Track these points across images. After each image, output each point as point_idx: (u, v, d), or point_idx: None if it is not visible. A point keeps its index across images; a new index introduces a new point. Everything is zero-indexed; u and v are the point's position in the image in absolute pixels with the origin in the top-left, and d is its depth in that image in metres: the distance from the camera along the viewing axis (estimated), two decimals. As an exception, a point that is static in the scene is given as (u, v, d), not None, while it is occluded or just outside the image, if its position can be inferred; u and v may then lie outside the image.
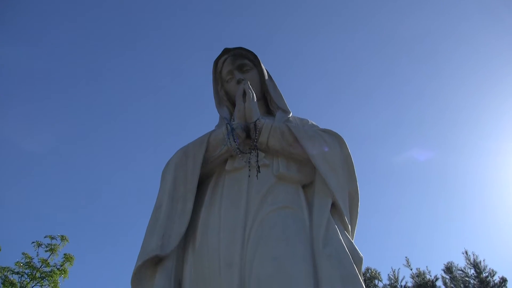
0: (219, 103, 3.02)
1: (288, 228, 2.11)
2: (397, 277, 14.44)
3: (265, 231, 2.09)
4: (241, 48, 3.01)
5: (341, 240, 2.09)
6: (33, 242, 10.48)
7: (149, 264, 2.12)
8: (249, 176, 2.30)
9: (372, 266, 15.62)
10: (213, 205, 2.32)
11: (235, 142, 2.41)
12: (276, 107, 2.89)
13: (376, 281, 14.87)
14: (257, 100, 2.87)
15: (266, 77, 3.01)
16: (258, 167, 2.30)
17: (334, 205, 2.29)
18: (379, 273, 14.97)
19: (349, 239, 2.20)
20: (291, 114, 2.86)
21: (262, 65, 3.02)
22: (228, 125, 2.49)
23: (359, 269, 2.04)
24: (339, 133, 2.59)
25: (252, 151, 2.37)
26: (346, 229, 2.27)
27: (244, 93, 2.59)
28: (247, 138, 2.49)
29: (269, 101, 2.97)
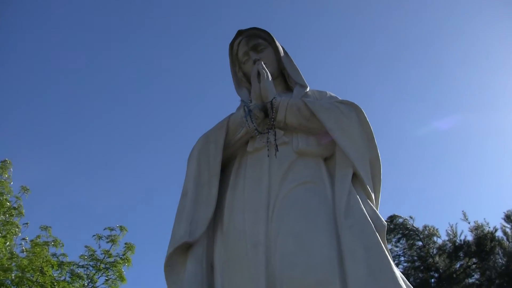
0: (238, 85, 3.04)
1: (309, 203, 2.15)
2: (456, 232, 14.28)
3: (287, 208, 2.14)
4: (254, 28, 3.02)
5: (362, 209, 2.11)
6: (93, 235, 10.90)
7: (180, 251, 2.21)
8: (268, 156, 2.34)
9: (430, 223, 15.49)
10: (237, 187, 2.38)
11: (252, 123, 2.45)
12: (294, 83, 2.90)
13: (435, 238, 14.75)
14: (275, 77, 2.89)
15: (282, 53, 3.01)
16: (276, 146, 2.34)
17: (355, 175, 2.30)
18: (437, 229, 14.82)
19: (372, 207, 2.22)
20: (308, 88, 2.86)
21: (276, 42, 3.02)
22: (245, 107, 2.53)
23: (382, 237, 2.06)
24: (356, 103, 2.59)
25: (269, 130, 2.41)
26: (369, 197, 2.29)
27: (259, 74, 2.61)
28: (265, 118, 2.53)
29: (287, 77, 2.98)
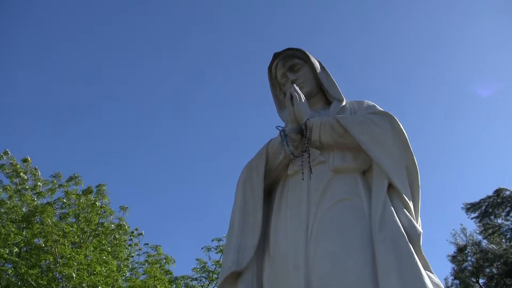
0: (280, 108, 3.14)
1: (345, 220, 2.24)
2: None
3: (323, 228, 2.24)
4: (289, 49, 3.10)
5: (396, 221, 2.16)
6: (202, 248, 11.40)
7: (231, 280, 2.36)
8: (302, 179, 2.45)
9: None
10: (281, 210, 2.50)
11: (288, 147, 2.56)
12: (332, 98, 2.97)
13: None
14: (315, 94, 2.99)
15: (319, 69, 3.06)
16: (310, 167, 2.45)
17: (392, 185, 2.34)
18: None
19: (407, 216, 2.25)
20: (344, 102, 2.91)
21: (312, 59, 3.07)
22: (281, 132, 2.65)
23: (416, 246, 2.11)
24: (389, 112, 2.62)
25: (304, 152, 2.51)
26: (405, 206, 2.31)
27: (292, 97, 2.70)
28: (303, 140, 2.61)
29: (326, 93, 3.03)
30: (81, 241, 9.98)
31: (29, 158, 11.01)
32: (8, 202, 10.23)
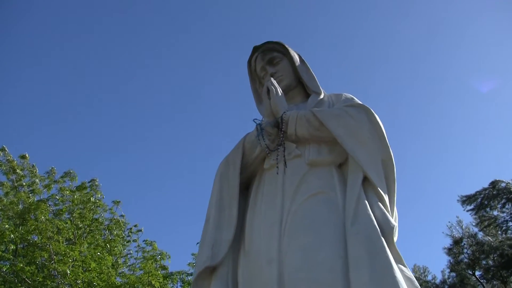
0: (259, 102, 3.11)
1: (318, 214, 2.23)
2: None
3: (297, 222, 2.23)
4: (268, 42, 3.08)
5: (369, 215, 2.15)
6: (197, 243, 11.40)
7: (205, 275, 2.35)
8: (277, 173, 2.44)
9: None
10: (256, 205, 2.49)
11: (264, 141, 2.55)
12: (311, 91, 2.95)
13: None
14: (294, 87, 2.98)
15: (297, 63, 3.05)
16: (285, 161, 2.44)
17: (367, 178, 2.33)
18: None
19: (382, 209, 2.24)
20: (322, 95, 2.90)
21: (291, 52, 3.06)
22: (258, 125, 2.64)
23: (390, 239, 2.10)
24: (365, 104, 2.60)
25: (279, 146, 2.50)
26: (380, 199, 2.30)
27: (269, 90, 2.68)
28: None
29: (305, 86, 3.02)
30: (76, 238, 10.01)
31: (27, 155, 11.01)
32: (5, 199, 10.22)
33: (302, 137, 2.53)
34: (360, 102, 2.68)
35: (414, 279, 2.09)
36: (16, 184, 10.66)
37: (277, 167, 2.46)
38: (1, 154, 10.82)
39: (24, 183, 10.75)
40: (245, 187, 2.69)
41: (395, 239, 2.19)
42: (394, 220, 2.27)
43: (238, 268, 2.38)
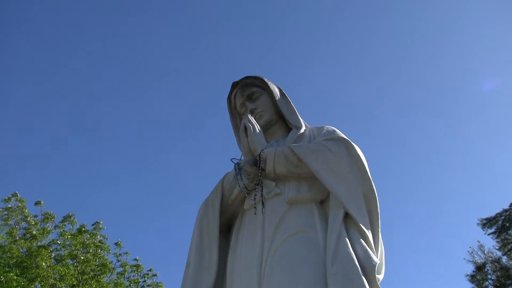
0: (239, 139, 3.04)
1: (296, 254, 2.13)
2: None
3: (275, 264, 2.14)
4: (246, 77, 3.00)
5: (350, 253, 2.05)
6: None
7: None
8: (255, 213, 2.35)
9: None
10: (237, 248, 2.40)
11: (242, 180, 2.46)
12: (292, 125, 2.86)
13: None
14: (275, 122, 2.90)
15: (278, 96, 2.96)
16: (263, 201, 2.36)
17: (348, 214, 2.23)
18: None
19: (364, 246, 2.14)
20: (303, 129, 2.80)
21: (271, 86, 2.98)
22: (236, 165, 2.55)
23: (371, 278, 2.00)
24: (346, 137, 2.52)
25: (256, 186, 2.40)
26: (363, 235, 2.21)
27: (246, 128, 2.61)
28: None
29: (286, 120, 2.94)
30: (80, 283, 9.82)
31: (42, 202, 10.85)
32: (6, 247, 10.07)
33: (281, 175, 2.45)
34: (342, 135, 2.58)
35: None
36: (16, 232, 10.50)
37: (255, 207, 2.37)
38: (12, 199, 10.68)
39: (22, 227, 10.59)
40: (227, 229, 2.60)
41: (379, 276, 2.10)
42: (377, 257, 2.18)
43: None
